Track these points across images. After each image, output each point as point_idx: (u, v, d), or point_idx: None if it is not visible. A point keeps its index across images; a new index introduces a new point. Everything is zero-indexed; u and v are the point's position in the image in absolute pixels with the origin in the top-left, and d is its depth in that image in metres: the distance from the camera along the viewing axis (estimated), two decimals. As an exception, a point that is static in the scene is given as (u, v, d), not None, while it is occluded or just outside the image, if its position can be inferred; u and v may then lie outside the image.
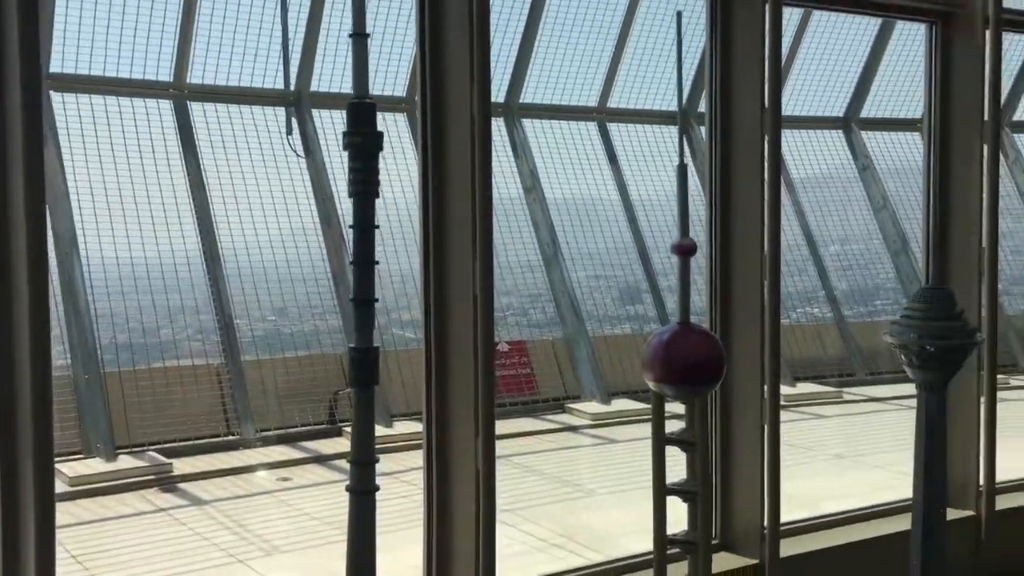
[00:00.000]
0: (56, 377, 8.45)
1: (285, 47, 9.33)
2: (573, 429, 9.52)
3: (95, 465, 7.75)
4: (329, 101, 10.30)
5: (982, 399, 5.99)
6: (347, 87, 10.48)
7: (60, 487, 7.32)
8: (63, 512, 6.88)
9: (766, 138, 5.29)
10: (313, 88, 10.24)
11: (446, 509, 4.59)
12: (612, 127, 12.07)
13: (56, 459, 7.96)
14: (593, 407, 9.98)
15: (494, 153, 4.80)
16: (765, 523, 5.27)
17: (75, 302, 8.48)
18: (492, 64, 4.51)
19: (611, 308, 12.08)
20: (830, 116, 13.17)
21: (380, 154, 3.05)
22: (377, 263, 3.09)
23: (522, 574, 5.14)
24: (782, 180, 11.41)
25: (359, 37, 3.03)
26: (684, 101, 11.69)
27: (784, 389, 10.18)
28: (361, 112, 3.00)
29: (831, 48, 12.83)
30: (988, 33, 5.97)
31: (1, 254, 3.44)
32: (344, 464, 8.19)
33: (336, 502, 7.24)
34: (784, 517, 5.43)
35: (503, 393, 10.11)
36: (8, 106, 3.45)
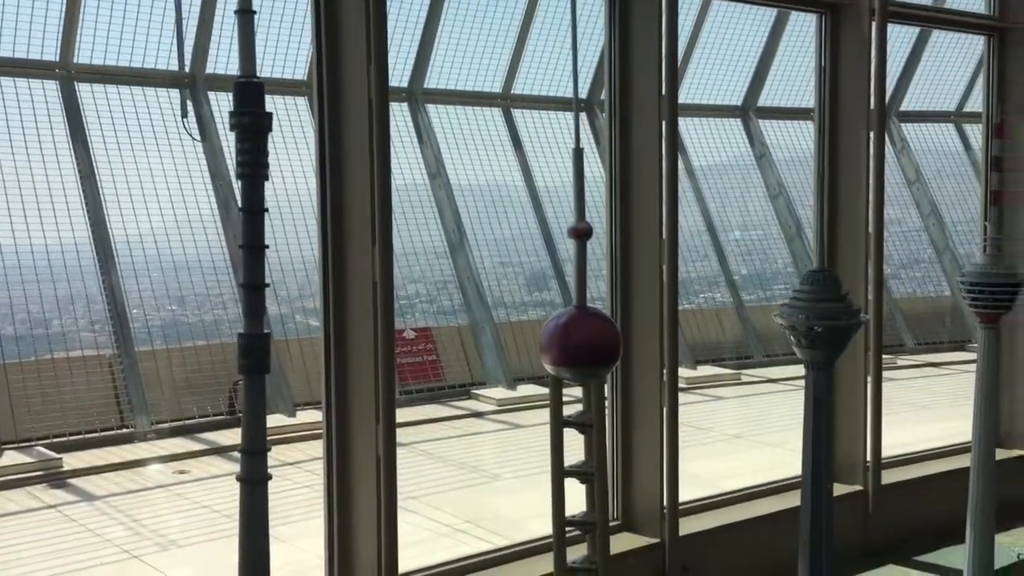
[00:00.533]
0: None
1: (179, 26, 9.02)
2: (478, 415, 9.54)
3: (-22, 462, 7.41)
4: (225, 83, 10.01)
5: (869, 378, 6.23)
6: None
7: (-60, 486, 6.98)
8: (-57, 512, 6.56)
9: (664, 124, 5.38)
10: (209, 70, 9.95)
11: (347, 497, 4.54)
12: (516, 113, 12.09)
13: (-66, 456, 7.54)
14: (499, 393, 10.02)
15: (398, 139, 4.76)
16: (664, 503, 5.38)
17: (-46, 293, 8.07)
18: (395, 49, 4.46)
19: (518, 295, 12.12)
20: (728, 104, 13.47)
21: (270, 135, 2.97)
22: (267, 247, 3.01)
23: (427, 560, 5.11)
24: (683, 167, 11.64)
25: (245, 14, 2.94)
26: (582, 86, 11.79)
27: (685, 372, 10.40)
28: (248, 91, 2.91)
29: (729, 38, 13.12)
30: (875, 24, 6.19)
31: None
32: (244, 455, 8.03)
33: (236, 494, 7.08)
34: (685, 496, 5.56)
35: (409, 380, 10.06)
36: None
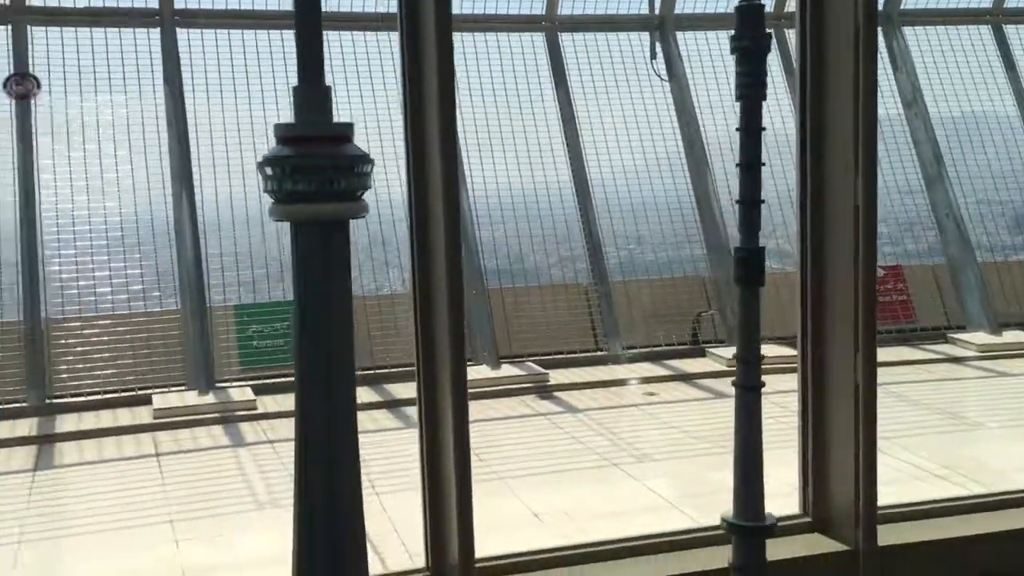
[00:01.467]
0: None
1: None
2: (956, 360, 8.86)
3: (483, 372, 8.56)
4: (692, 22, 10.24)
5: None
6: (710, 7, 10.33)
7: (455, 390, 8.18)
8: (458, 411, 7.70)
9: None
10: (677, 10, 10.22)
11: (823, 425, 4.53)
12: (1010, 29, 10.78)
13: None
14: (980, 338, 9.20)
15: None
16: None
17: (464, 231, 9.32)
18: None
19: (1003, 234, 10.94)
20: None
21: (767, 58, 3.03)
22: (763, 164, 3.10)
23: (901, 500, 4.93)
24: None
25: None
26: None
27: None
28: (749, 15, 2.99)
29: None
30: None
31: (419, 191, 3.92)
32: (709, 384, 8.34)
33: (704, 418, 7.41)
34: None
35: (877, 319, 9.62)
36: (424, 48, 3.88)
